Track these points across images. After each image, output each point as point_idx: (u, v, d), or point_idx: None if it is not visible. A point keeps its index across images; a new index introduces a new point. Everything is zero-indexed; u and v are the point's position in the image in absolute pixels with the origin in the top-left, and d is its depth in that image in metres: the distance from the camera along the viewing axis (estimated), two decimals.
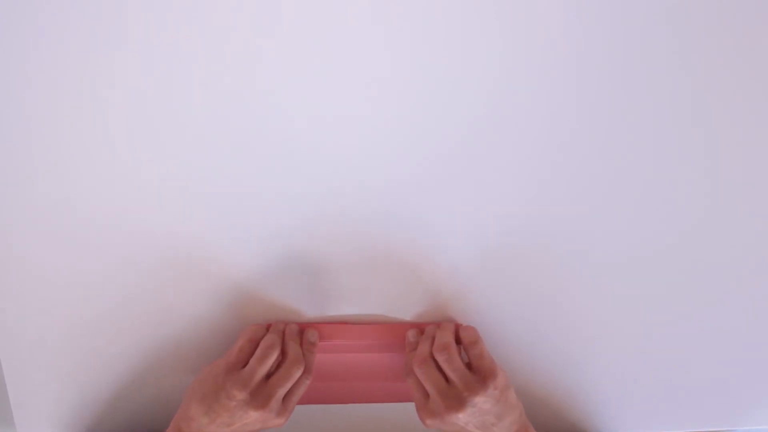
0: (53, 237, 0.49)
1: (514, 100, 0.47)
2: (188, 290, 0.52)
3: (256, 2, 0.43)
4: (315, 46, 0.44)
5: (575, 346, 0.55)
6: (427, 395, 0.49)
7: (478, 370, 0.48)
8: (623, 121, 0.48)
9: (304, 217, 0.50)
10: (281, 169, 0.48)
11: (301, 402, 0.51)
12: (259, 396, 0.46)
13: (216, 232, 0.50)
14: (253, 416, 0.46)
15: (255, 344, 0.49)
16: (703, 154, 0.50)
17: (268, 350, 0.48)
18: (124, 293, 0.51)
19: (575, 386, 0.57)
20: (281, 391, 0.47)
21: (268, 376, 0.48)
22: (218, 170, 0.48)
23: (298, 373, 0.48)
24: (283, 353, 0.49)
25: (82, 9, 0.42)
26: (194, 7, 0.42)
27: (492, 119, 0.47)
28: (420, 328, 0.53)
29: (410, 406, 0.52)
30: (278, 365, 0.49)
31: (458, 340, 0.51)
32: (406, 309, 0.54)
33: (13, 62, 0.44)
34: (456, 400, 0.46)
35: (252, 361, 0.47)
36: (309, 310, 0.53)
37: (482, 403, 0.47)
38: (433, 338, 0.50)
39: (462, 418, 0.47)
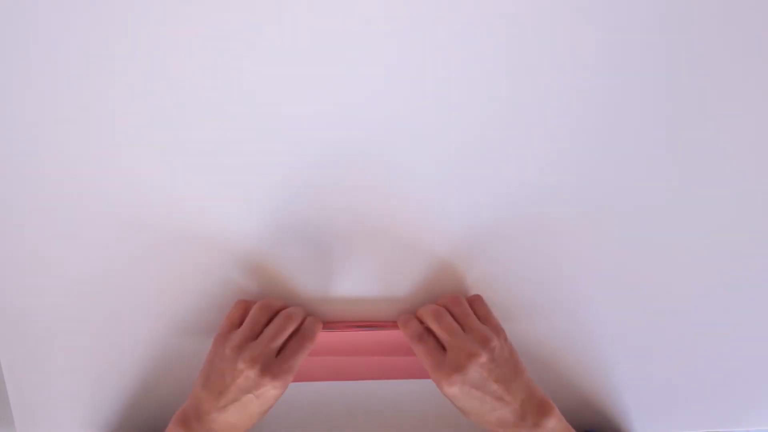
0: (53, 236, 0.49)
1: (516, 87, 0.47)
2: (192, 290, 0.52)
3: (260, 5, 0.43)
4: (327, 33, 0.45)
5: (570, 345, 0.55)
6: (440, 353, 0.46)
7: (487, 321, 0.49)
8: (625, 111, 0.48)
9: (310, 198, 0.50)
10: (287, 151, 0.48)
11: (308, 379, 0.52)
12: (250, 349, 0.45)
13: (224, 224, 0.50)
14: (245, 373, 0.44)
15: (245, 312, 0.48)
16: (706, 154, 0.50)
17: (261, 311, 0.47)
18: (125, 292, 0.51)
19: (570, 387, 0.57)
20: (273, 344, 0.45)
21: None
22: (226, 155, 0.48)
23: (290, 327, 0.46)
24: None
25: (85, 11, 0.42)
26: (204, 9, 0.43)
27: (496, 102, 0.48)
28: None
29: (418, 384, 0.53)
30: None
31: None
32: (409, 284, 0.53)
33: (18, 66, 0.44)
34: (477, 343, 0.45)
35: (245, 321, 0.47)
36: (314, 288, 0.52)
37: (499, 348, 0.46)
38: (434, 303, 0.51)
39: (484, 365, 0.45)
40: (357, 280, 0.52)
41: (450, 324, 0.47)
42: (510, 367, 0.47)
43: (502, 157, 0.49)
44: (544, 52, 0.46)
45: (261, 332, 0.46)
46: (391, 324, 0.53)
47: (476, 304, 0.51)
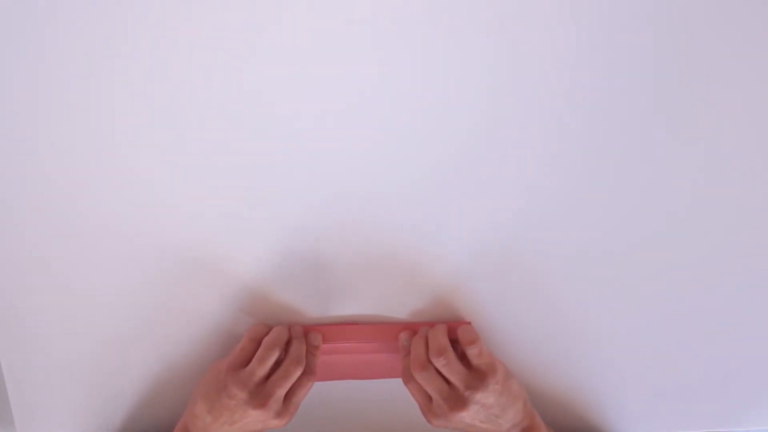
0: (53, 236, 0.49)
1: (511, 106, 0.47)
2: (192, 292, 0.52)
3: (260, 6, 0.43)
4: (326, 53, 0.45)
5: (571, 347, 0.55)
6: (429, 398, 0.49)
7: (477, 368, 0.48)
8: (618, 123, 0.48)
9: (308, 220, 0.50)
10: (286, 173, 0.48)
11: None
12: (259, 395, 0.47)
13: (222, 235, 0.50)
14: (253, 415, 0.47)
15: (258, 343, 0.49)
16: (701, 156, 0.50)
17: (269, 351, 0.48)
18: (126, 294, 0.51)
19: (571, 387, 0.57)
20: (280, 391, 0.47)
21: (270, 375, 0.48)
22: (225, 173, 0.48)
23: (296, 373, 0.48)
24: (286, 353, 0.49)
25: (85, 11, 0.42)
26: (204, 9, 0.43)
27: (489, 124, 0.48)
28: (412, 329, 0.52)
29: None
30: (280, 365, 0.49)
31: (453, 337, 0.50)
32: (407, 308, 0.54)
33: (18, 65, 0.44)
34: (458, 401, 0.47)
35: (253, 361, 0.48)
36: (313, 310, 0.53)
37: (484, 398, 0.47)
38: (426, 339, 0.50)
39: (467, 416, 0.47)
40: (356, 298, 0.53)
41: (432, 381, 0.48)
42: (500, 407, 0.48)
43: (502, 168, 0.49)
44: (553, 54, 0.46)
45: (270, 370, 0.48)
46: (388, 333, 0.53)
47: (469, 343, 0.49)
